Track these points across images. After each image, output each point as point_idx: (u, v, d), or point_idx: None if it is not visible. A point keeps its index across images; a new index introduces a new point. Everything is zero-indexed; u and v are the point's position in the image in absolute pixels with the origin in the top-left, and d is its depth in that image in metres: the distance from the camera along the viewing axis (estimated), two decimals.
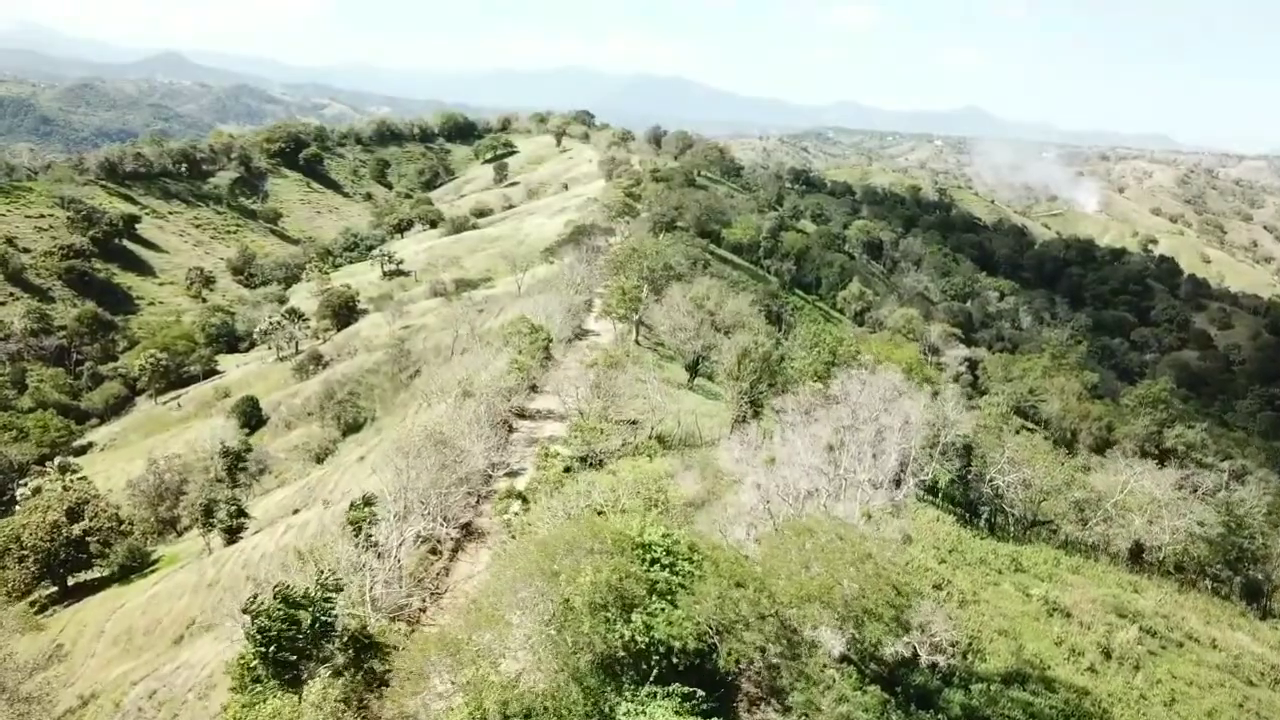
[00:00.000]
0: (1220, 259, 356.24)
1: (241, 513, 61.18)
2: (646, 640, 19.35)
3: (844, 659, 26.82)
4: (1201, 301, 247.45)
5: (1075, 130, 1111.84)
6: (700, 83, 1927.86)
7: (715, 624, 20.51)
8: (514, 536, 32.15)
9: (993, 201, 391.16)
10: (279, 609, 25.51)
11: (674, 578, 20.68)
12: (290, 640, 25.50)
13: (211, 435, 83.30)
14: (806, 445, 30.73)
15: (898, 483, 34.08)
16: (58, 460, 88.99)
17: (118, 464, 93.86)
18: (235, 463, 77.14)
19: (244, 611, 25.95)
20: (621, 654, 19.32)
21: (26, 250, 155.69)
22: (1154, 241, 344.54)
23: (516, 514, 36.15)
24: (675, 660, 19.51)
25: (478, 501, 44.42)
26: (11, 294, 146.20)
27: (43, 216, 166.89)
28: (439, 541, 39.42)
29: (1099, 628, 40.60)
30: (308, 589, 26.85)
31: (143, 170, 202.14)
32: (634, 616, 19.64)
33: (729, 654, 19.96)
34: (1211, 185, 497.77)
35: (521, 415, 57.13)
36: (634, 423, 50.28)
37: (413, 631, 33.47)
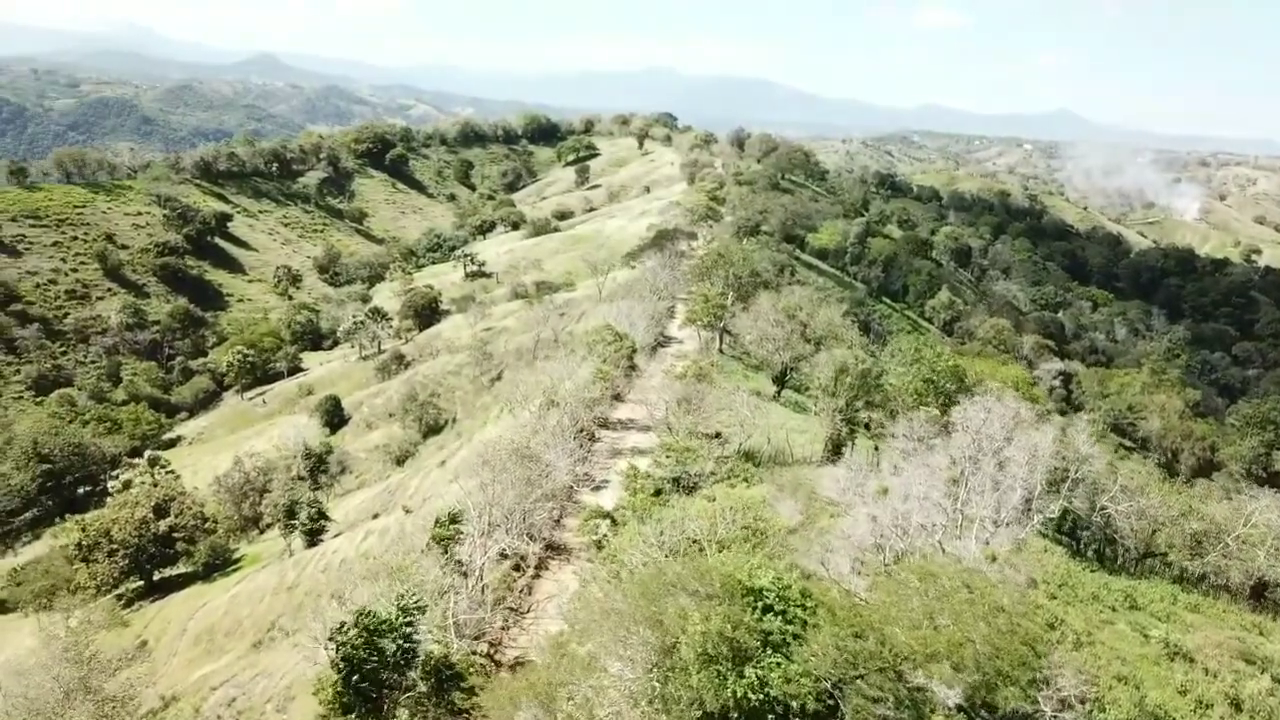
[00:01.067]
0: None
1: (322, 515, 61.04)
2: (761, 698, 17.54)
3: (959, 708, 24.71)
4: None
5: (1173, 135, 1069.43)
6: (783, 84, 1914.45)
7: (833, 679, 18.59)
8: (604, 561, 30.58)
9: (1085, 208, 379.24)
10: (362, 637, 24.39)
11: (788, 627, 18.82)
12: (373, 671, 24.36)
13: (295, 434, 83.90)
14: (922, 476, 28.53)
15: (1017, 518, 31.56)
16: (148, 454, 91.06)
17: (204, 458, 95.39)
18: (317, 464, 77.52)
19: (330, 640, 24.84)
20: (734, 713, 17.54)
21: (124, 247, 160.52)
22: (1258, 251, 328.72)
23: (606, 536, 34.63)
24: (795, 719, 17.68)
25: (561, 516, 43.13)
26: (109, 289, 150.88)
27: (140, 214, 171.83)
28: (522, 558, 38.23)
29: (1226, 675, 37.31)
30: (390, 615, 25.69)
31: (235, 169, 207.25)
32: (747, 671, 17.84)
33: (855, 713, 18.01)
34: None
35: (604, 424, 55.77)
36: (718, 435, 48.38)
37: (494, 653, 32.27)
